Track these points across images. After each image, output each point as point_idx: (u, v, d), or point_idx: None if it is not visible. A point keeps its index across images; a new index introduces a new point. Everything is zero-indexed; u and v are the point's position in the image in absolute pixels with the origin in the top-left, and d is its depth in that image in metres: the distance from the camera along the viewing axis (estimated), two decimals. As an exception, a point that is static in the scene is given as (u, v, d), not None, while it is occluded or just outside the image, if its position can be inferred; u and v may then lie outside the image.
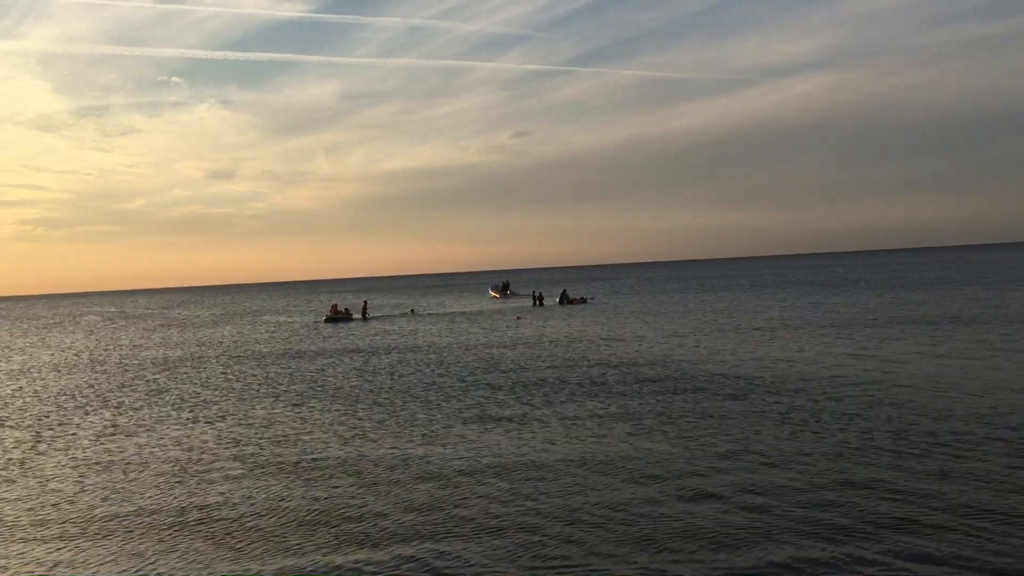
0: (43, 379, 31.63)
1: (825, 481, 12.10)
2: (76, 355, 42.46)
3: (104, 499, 13.14)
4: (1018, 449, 13.35)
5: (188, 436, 18.16)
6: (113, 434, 18.83)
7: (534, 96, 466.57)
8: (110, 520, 11.98)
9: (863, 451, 13.74)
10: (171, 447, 17.05)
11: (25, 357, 43.05)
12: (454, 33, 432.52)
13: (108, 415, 21.72)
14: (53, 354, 44.04)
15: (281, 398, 23.32)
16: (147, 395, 25.39)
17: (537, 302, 70.18)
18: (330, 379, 26.98)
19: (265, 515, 11.84)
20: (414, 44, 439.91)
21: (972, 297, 49.23)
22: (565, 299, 70.18)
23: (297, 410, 20.98)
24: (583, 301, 70.10)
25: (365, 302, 67.46)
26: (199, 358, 37.23)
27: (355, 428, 18.12)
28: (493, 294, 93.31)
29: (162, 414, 21.48)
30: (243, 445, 16.81)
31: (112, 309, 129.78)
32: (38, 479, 14.71)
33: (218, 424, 19.56)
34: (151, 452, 16.62)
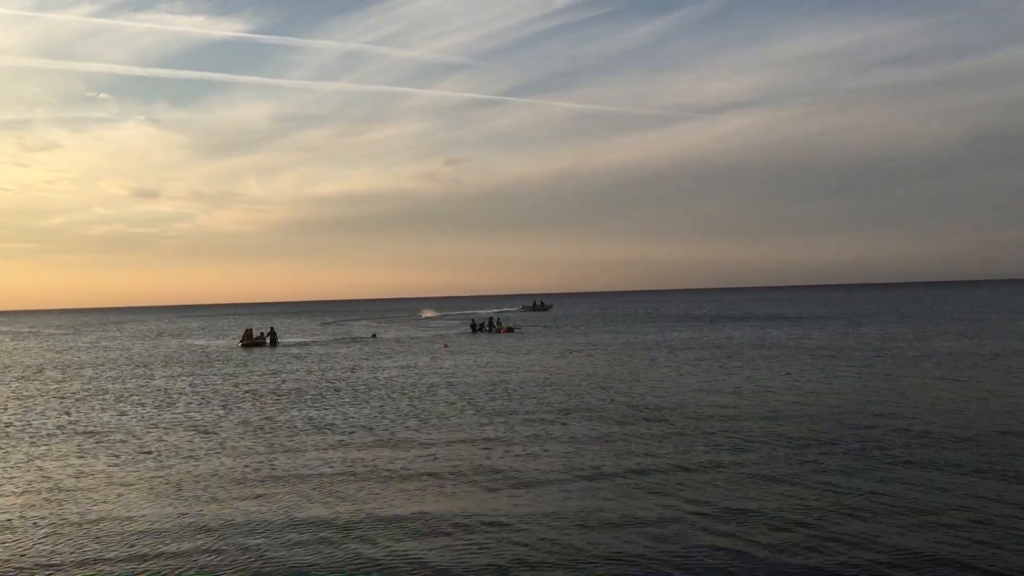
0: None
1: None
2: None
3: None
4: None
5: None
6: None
7: (469, 125, 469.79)
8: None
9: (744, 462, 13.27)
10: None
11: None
12: (391, 59, 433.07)
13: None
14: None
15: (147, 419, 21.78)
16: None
17: (472, 328, 71.94)
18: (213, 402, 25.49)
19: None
20: (350, 68, 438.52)
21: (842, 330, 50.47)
22: (493, 327, 70.29)
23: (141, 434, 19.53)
24: (510, 330, 69.69)
25: (272, 328, 65.56)
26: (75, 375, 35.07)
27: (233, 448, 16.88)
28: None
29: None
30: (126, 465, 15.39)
31: (24, 329, 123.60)
32: None
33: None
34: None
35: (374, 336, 68.88)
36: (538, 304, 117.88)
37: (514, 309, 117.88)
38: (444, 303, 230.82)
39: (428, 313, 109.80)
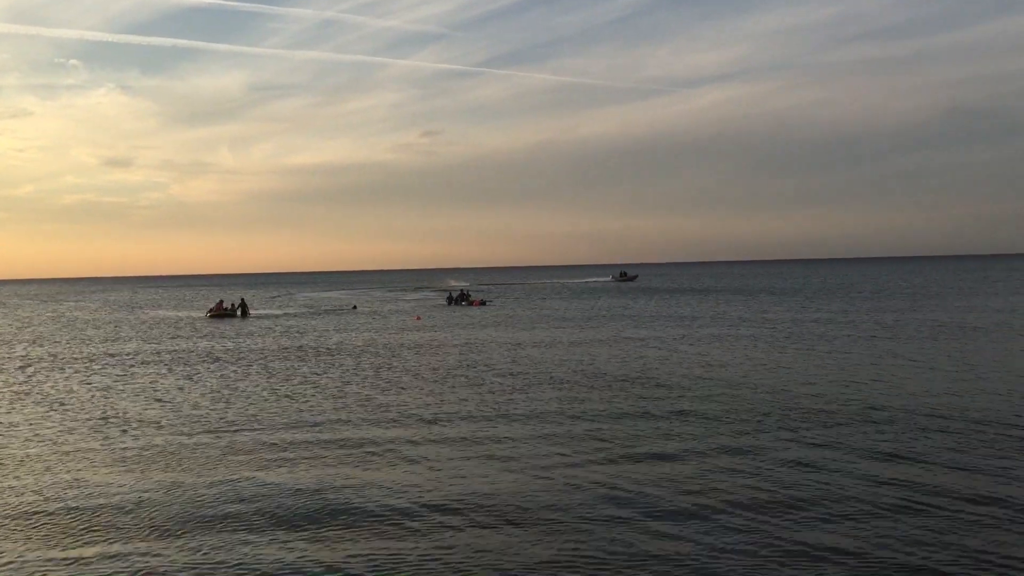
0: None
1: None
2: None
3: None
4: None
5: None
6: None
7: (446, 96, 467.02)
8: None
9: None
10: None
11: None
12: (368, 28, 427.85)
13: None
14: None
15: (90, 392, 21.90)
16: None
17: (448, 301, 72.03)
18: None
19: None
20: (327, 37, 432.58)
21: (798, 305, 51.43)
22: (465, 299, 70.54)
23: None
24: (483, 303, 70.00)
25: (243, 299, 64.90)
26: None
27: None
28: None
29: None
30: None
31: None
32: None
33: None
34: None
35: (354, 308, 68.66)
36: (624, 275, 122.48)
37: (605, 278, 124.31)
38: (480, 274, 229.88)
39: (453, 283, 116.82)
